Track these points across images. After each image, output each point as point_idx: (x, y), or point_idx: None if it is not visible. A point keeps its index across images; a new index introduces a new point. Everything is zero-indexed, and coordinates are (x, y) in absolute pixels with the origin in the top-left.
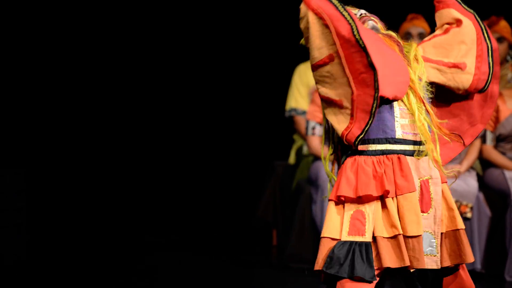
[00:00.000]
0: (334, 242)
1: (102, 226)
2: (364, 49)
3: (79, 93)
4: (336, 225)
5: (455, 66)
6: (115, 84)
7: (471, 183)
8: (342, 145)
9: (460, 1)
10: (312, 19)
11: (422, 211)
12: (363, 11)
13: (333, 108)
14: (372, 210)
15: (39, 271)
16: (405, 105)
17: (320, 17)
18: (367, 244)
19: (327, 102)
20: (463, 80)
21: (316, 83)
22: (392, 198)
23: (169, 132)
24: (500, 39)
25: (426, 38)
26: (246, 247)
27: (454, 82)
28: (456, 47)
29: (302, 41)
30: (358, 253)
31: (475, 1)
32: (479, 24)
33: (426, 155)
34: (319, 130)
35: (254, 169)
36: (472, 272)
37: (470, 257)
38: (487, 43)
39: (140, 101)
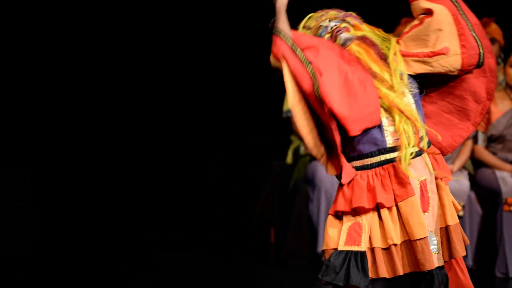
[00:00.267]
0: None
1: (105, 225)
2: (325, 102)
3: (83, 93)
4: (334, 237)
5: (437, 54)
6: (118, 85)
7: (463, 182)
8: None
9: None
10: (282, 68)
11: (423, 211)
12: (333, 24)
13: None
14: (368, 220)
15: (43, 268)
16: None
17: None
18: (362, 254)
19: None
20: (451, 62)
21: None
22: (391, 208)
23: (169, 132)
24: (491, 41)
25: (405, 30)
26: (245, 244)
27: (443, 68)
28: (433, 35)
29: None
30: (353, 262)
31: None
32: (454, 4)
33: (419, 155)
34: None
35: (252, 169)
36: None
37: (460, 252)
38: (465, 21)
39: (141, 102)
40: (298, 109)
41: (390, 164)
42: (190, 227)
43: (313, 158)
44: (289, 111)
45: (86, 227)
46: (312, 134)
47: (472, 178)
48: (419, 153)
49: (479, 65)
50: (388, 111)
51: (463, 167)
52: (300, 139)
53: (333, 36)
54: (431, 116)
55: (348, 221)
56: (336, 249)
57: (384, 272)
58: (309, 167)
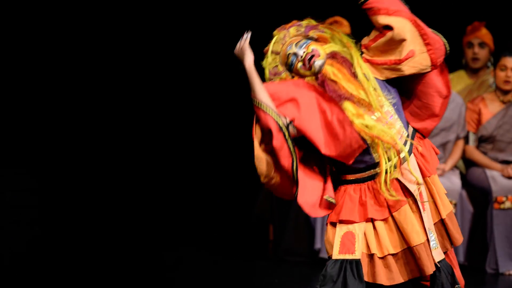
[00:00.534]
0: None
1: (109, 223)
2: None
3: (88, 94)
4: (331, 245)
5: (404, 60)
6: (123, 86)
7: (454, 181)
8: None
9: None
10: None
11: (423, 210)
12: (301, 52)
13: None
14: (362, 230)
15: (49, 266)
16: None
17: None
18: (357, 261)
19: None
20: (421, 61)
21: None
22: (386, 219)
23: (171, 132)
24: (481, 45)
25: (370, 38)
26: (244, 241)
27: (414, 68)
28: (398, 46)
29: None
30: (349, 270)
31: (459, 7)
32: (411, 13)
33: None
34: None
35: (251, 168)
36: None
37: (459, 239)
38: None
39: (144, 101)
40: (262, 163)
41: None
42: (190, 224)
43: None
44: None
45: (91, 226)
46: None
47: (464, 177)
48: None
49: (447, 54)
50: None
51: (455, 166)
52: None
53: (306, 65)
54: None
55: (340, 231)
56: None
57: (382, 279)
58: None
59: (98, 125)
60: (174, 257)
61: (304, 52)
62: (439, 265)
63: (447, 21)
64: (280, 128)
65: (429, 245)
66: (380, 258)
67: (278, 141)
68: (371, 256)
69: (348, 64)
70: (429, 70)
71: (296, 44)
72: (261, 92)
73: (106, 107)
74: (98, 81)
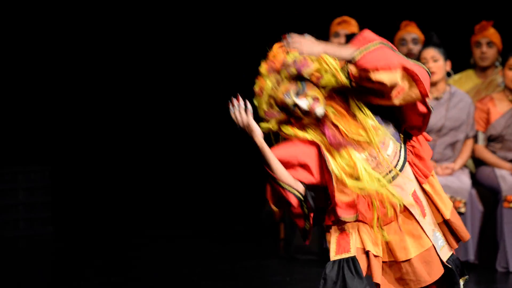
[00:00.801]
0: None
1: (122, 220)
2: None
3: (102, 93)
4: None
5: (395, 96)
6: (135, 86)
7: (464, 180)
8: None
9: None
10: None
11: (423, 216)
12: (304, 105)
13: None
14: (355, 229)
15: (63, 261)
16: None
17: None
18: (353, 258)
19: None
20: (411, 94)
21: None
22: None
23: (183, 130)
24: (489, 44)
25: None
26: (255, 240)
27: (405, 100)
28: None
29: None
30: (347, 269)
31: (467, 7)
32: (394, 52)
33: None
34: None
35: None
36: (466, 264)
37: (465, 236)
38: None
39: (155, 99)
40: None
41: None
42: (204, 222)
43: None
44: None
45: (103, 224)
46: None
47: (473, 176)
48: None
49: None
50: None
51: (464, 165)
52: None
53: (308, 114)
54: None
55: (335, 233)
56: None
57: (377, 278)
58: None
59: (109, 125)
60: (185, 255)
61: (306, 104)
62: (448, 265)
63: (455, 20)
64: (301, 205)
65: (435, 248)
66: (375, 256)
67: (296, 213)
68: (367, 252)
69: (343, 100)
70: (419, 100)
71: (294, 93)
72: (276, 165)
73: (117, 107)
74: (109, 82)
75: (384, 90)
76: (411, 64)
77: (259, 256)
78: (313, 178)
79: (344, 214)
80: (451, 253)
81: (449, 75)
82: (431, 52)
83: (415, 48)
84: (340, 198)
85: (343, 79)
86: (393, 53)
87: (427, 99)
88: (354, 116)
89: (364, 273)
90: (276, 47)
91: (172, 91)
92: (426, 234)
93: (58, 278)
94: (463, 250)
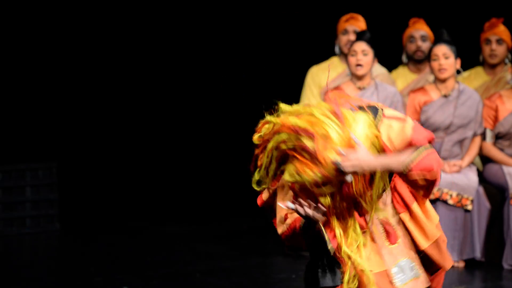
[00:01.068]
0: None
1: (128, 217)
2: None
3: (107, 90)
4: None
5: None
6: (140, 81)
7: (471, 177)
8: None
9: None
10: None
11: (392, 243)
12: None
13: None
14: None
15: (69, 258)
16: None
17: None
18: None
19: None
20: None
21: None
22: None
23: (188, 125)
24: (499, 41)
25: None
26: (260, 237)
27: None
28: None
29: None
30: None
31: (476, 4)
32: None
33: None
34: None
35: None
36: (473, 261)
37: (447, 265)
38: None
39: (159, 96)
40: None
41: None
42: (208, 218)
43: None
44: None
45: (110, 221)
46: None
47: (480, 174)
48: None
49: None
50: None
51: (472, 163)
52: None
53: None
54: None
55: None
56: None
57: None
58: None
59: (115, 122)
60: (190, 252)
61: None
62: None
63: (465, 18)
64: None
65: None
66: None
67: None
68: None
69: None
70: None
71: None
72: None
73: (123, 103)
74: (114, 78)
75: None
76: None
77: (264, 253)
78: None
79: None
80: (427, 286)
81: (458, 73)
82: (443, 49)
83: (424, 45)
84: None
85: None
86: (436, 156)
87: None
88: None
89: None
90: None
91: (175, 87)
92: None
93: (64, 275)
94: (470, 248)
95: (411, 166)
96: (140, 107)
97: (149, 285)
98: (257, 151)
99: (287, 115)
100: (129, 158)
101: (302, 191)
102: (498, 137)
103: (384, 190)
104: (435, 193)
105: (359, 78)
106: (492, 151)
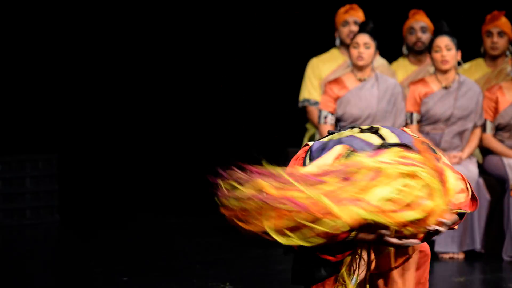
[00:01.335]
0: None
1: (127, 208)
2: None
3: (107, 82)
4: None
5: None
6: (141, 74)
7: (471, 169)
8: None
9: None
10: None
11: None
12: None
13: None
14: None
15: (69, 249)
16: None
17: None
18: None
19: None
20: None
21: None
22: None
23: (189, 116)
24: (500, 34)
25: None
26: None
27: None
28: None
29: None
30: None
31: None
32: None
33: None
34: (330, 119)
35: (269, 156)
36: (472, 252)
37: None
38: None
39: (160, 89)
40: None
41: None
42: (208, 210)
43: None
44: (304, 100)
45: (109, 212)
46: None
47: (480, 165)
48: None
49: None
50: None
51: (472, 154)
52: (315, 127)
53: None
54: None
55: None
56: None
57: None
58: None
59: (115, 113)
60: (189, 244)
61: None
62: None
63: (467, 10)
64: None
65: None
66: None
67: None
68: None
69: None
70: None
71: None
72: None
73: (123, 95)
74: (115, 70)
75: None
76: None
77: (264, 245)
78: None
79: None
80: None
81: (459, 64)
82: (445, 41)
83: (424, 37)
84: None
85: None
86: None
87: None
88: None
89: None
90: None
91: (176, 78)
92: None
93: (64, 266)
94: (469, 239)
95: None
96: (139, 98)
97: (149, 276)
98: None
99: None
100: (129, 149)
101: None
102: (498, 128)
103: None
104: None
105: (360, 69)
106: (492, 142)
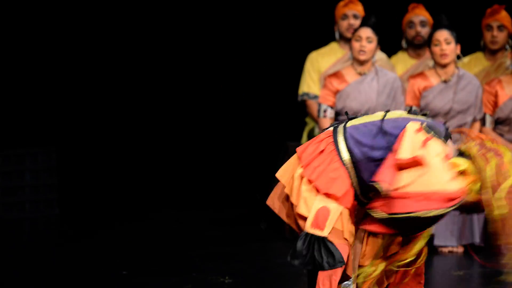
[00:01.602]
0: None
1: (127, 202)
2: None
3: (107, 74)
4: (307, 209)
5: None
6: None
7: None
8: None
9: None
10: None
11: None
12: None
13: None
14: (338, 210)
15: (69, 243)
16: None
17: None
18: (324, 239)
19: None
20: None
21: None
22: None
23: (188, 111)
24: (500, 28)
25: None
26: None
27: None
28: None
29: None
30: (316, 247)
31: None
32: None
33: None
34: (330, 113)
35: (268, 150)
36: (472, 246)
37: None
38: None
39: (161, 83)
40: None
41: None
42: (206, 205)
43: None
44: (304, 94)
45: (109, 206)
46: None
47: None
48: None
49: None
50: None
51: None
52: (315, 121)
53: None
54: None
55: (319, 203)
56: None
57: (348, 269)
58: None
59: (115, 106)
60: (190, 237)
61: None
62: None
63: (466, 3)
64: None
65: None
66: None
67: None
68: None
69: None
70: None
71: None
72: None
73: (123, 87)
74: (115, 62)
75: None
76: None
77: (264, 238)
78: None
79: None
80: None
81: (458, 58)
82: (444, 34)
83: (423, 31)
84: None
85: None
86: None
87: None
88: None
89: (345, 258)
90: None
91: (173, 73)
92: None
93: (63, 259)
94: (469, 233)
95: None
96: (138, 91)
97: (148, 270)
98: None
99: None
100: (128, 142)
101: None
102: (497, 122)
103: None
104: None
105: (361, 63)
106: (492, 136)
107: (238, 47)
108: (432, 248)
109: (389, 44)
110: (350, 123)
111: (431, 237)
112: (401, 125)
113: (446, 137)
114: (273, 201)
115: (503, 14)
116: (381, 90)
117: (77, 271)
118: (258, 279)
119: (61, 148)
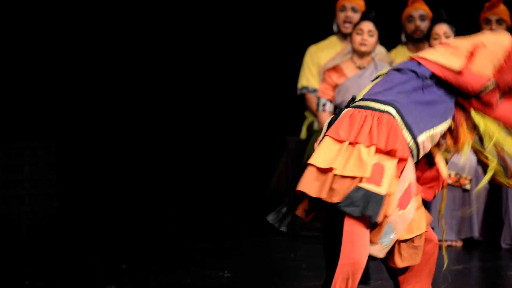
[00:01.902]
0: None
1: (126, 196)
2: None
3: (107, 69)
4: (330, 158)
5: None
6: (143, 61)
7: (470, 157)
8: None
9: None
10: None
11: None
12: None
13: None
14: (392, 167)
15: (68, 237)
16: None
17: None
18: (381, 198)
19: None
20: None
21: None
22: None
23: (189, 106)
24: (499, 21)
25: None
26: (260, 216)
27: None
28: None
29: None
30: (373, 200)
31: None
32: None
33: None
34: (329, 107)
35: (268, 144)
36: (471, 240)
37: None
38: None
39: (161, 79)
40: None
41: None
42: (208, 199)
43: None
44: (303, 88)
45: (108, 200)
46: None
47: None
48: None
49: None
50: None
51: None
52: (314, 115)
53: None
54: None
55: (373, 160)
56: (329, 169)
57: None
58: None
59: (115, 100)
60: (190, 233)
61: None
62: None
63: None
64: None
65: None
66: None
67: None
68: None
69: None
70: None
71: None
72: None
73: (123, 82)
74: (115, 58)
75: None
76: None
77: (264, 233)
78: None
79: None
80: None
81: None
82: (444, 28)
83: (423, 25)
84: None
85: None
86: None
87: None
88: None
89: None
90: None
91: (173, 70)
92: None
93: (62, 253)
94: (468, 227)
95: None
96: (138, 86)
97: (147, 264)
98: None
99: None
100: (127, 136)
101: None
102: None
103: None
104: None
105: (360, 56)
106: None
107: (237, 42)
108: None
109: (389, 38)
110: (358, 99)
111: None
112: (410, 63)
113: None
114: (307, 186)
115: (502, 7)
116: None
117: (76, 265)
118: (257, 273)
119: (61, 142)
